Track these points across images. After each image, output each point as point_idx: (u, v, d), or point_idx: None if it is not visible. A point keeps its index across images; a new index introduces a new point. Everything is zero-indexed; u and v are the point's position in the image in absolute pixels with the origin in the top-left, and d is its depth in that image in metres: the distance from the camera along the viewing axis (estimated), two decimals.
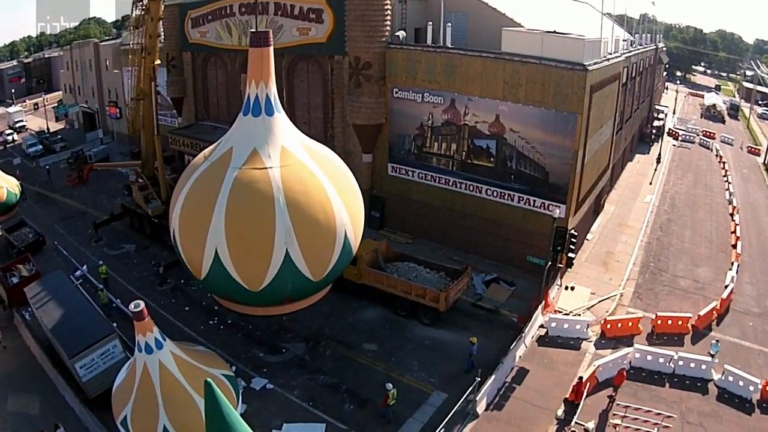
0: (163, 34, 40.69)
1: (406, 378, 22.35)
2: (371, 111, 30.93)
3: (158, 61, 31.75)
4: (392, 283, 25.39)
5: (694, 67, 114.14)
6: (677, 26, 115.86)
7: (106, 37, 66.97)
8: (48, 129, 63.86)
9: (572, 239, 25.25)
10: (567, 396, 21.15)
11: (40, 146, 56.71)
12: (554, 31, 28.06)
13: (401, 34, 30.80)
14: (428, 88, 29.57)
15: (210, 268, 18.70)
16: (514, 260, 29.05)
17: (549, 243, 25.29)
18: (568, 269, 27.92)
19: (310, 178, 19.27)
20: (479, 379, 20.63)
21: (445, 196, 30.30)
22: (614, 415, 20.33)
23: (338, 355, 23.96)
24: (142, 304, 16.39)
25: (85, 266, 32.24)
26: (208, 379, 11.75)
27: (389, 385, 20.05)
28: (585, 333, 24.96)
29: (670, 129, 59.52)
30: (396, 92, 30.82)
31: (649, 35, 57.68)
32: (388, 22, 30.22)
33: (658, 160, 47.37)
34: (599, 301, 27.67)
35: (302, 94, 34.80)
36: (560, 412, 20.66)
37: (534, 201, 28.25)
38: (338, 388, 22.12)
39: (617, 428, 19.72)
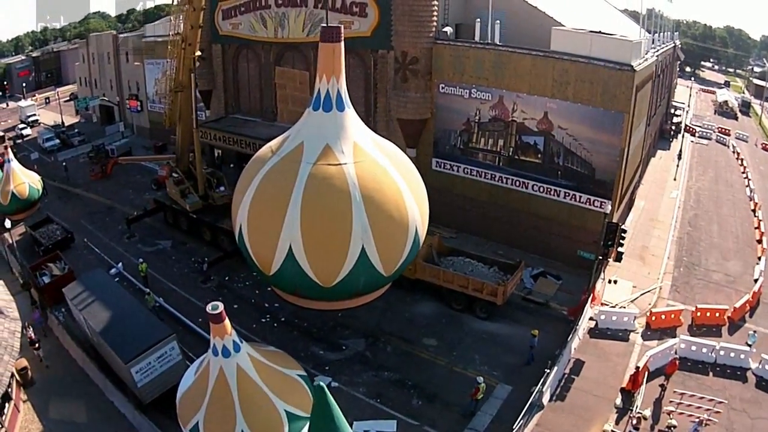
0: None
1: (470, 371, 22.56)
2: (417, 106, 30.95)
3: (199, 53, 31.33)
4: (449, 278, 25.50)
5: (702, 63, 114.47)
6: (685, 22, 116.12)
7: (111, 31, 66.14)
8: (63, 123, 63.33)
9: (622, 234, 25.61)
10: (623, 385, 21.68)
11: (58, 140, 55.83)
12: (600, 32, 28.31)
13: (448, 29, 30.80)
14: (476, 84, 29.66)
15: (282, 263, 18.52)
16: (558, 254, 29.32)
17: (599, 237, 25.69)
18: (617, 263, 28.23)
19: (383, 174, 19.24)
20: (548, 371, 21.03)
21: (491, 191, 30.45)
22: (669, 402, 20.78)
23: (399, 351, 24.05)
24: (221, 306, 15.89)
25: (120, 263, 31.82)
26: (321, 383, 11.98)
27: (480, 379, 20.36)
28: (632, 325, 25.44)
29: (686, 125, 59.86)
30: (442, 88, 30.84)
31: (667, 33, 57.90)
32: (435, 18, 30.21)
33: (680, 156, 47.66)
34: (641, 294, 28.09)
35: None
36: (618, 401, 21.13)
37: (580, 197, 28.50)
38: (404, 383, 22.23)
39: (671, 415, 20.09)
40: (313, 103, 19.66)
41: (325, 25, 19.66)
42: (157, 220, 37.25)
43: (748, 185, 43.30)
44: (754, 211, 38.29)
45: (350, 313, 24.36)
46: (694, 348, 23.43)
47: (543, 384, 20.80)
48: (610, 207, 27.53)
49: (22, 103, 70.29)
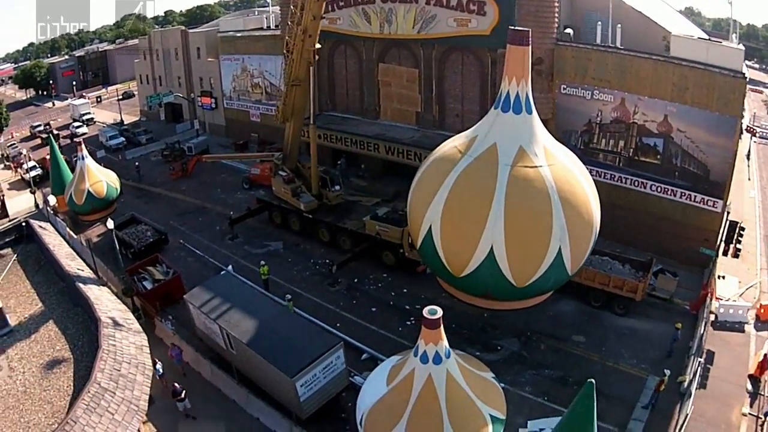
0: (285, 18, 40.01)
1: (621, 365, 23.54)
2: (540, 105, 30.62)
3: (319, 45, 30.93)
4: (590, 276, 26.29)
5: (747, 62, 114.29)
6: (728, 20, 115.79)
7: (179, 26, 65.48)
8: (122, 120, 63.00)
9: (741, 232, 26.90)
10: (751, 372, 22.97)
11: (122, 138, 55.35)
12: (711, 39, 29.33)
13: (570, 31, 31.49)
14: (598, 86, 30.41)
15: (480, 264, 19.06)
16: (672, 252, 30.17)
17: (715, 235, 27.74)
18: (736, 258, 29.32)
19: (573, 178, 20.04)
20: (700, 360, 22.26)
21: (609, 190, 31.19)
22: None
23: (553, 349, 24.81)
24: (440, 311, 15.31)
25: (230, 266, 30.66)
26: (591, 380, 12.06)
27: (667, 371, 21.24)
28: (745, 317, 26.54)
29: (747, 126, 60.47)
30: (564, 88, 31.53)
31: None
32: (557, 19, 30.88)
33: (748, 156, 48.85)
34: (747, 289, 29.23)
35: (455, 86, 35.38)
36: (749, 386, 22.38)
37: (695, 196, 29.44)
38: (566, 380, 22.95)
39: None
40: (502, 104, 20.06)
41: (513, 27, 20.24)
42: (259, 221, 36.48)
43: None
44: None
45: (495, 313, 24.93)
46: None
47: (689, 373, 22.08)
48: (721, 206, 28.74)
49: (76, 101, 69.96)
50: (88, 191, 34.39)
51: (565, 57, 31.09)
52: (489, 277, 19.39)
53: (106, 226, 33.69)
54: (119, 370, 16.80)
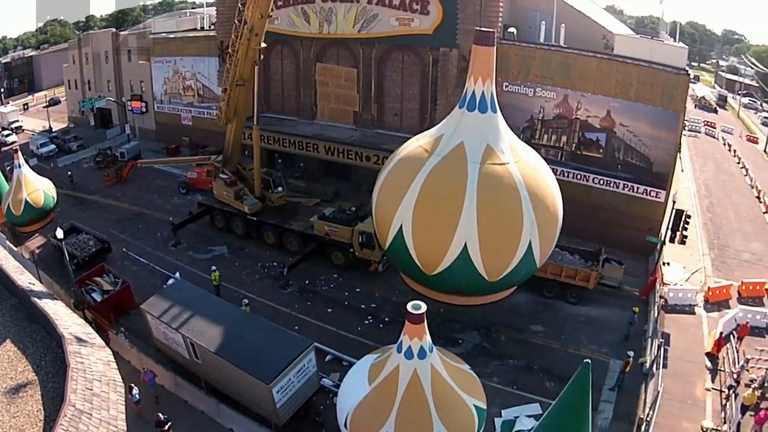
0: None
1: (582, 351, 24.22)
2: None
3: (264, 44, 30.09)
4: (543, 267, 26.48)
5: None
6: (650, 17, 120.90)
7: (110, 29, 62.26)
8: (51, 128, 59.77)
9: (687, 219, 28.51)
10: (708, 350, 24.33)
11: (53, 146, 52.42)
12: (653, 38, 30.95)
13: (513, 30, 32.24)
14: (541, 83, 31.35)
15: (453, 261, 19.24)
16: (616, 241, 31.29)
17: (662, 225, 29.23)
18: (682, 245, 30.78)
19: (539, 173, 20.65)
20: (661, 340, 23.61)
21: None
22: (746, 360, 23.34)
23: (514, 339, 25.32)
24: (424, 306, 15.02)
25: (177, 273, 29.68)
26: (587, 361, 11.87)
27: (631, 353, 22.02)
28: (694, 300, 28.10)
29: None
30: (506, 86, 32.13)
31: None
32: (501, 19, 31.53)
33: (679, 149, 51.26)
34: (692, 274, 30.94)
35: (394, 85, 35.47)
36: (708, 363, 23.67)
37: (638, 188, 30.96)
38: (531, 368, 23.53)
39: (750, 371, 22.71)
40: (467, 103, 20.33)
41: (480, 29, 20.56)
42: (201, 225, 35.40)
43: (747, 174, 47.12)
44: (758, 197, 42.07)
45: (453, 308, 24.85)
46: (749, 315, 26.46)
47: (649, 354, 23.40)
48: (664, 196, 30.35)
49: (4, 109, 65.63)
50: (26, 201, 32.17)
51: (508, 55, 31.70)
52: (462, 273, 19.63)
53: (50, 237, 32.34)
54: (91, 389, 15.24)
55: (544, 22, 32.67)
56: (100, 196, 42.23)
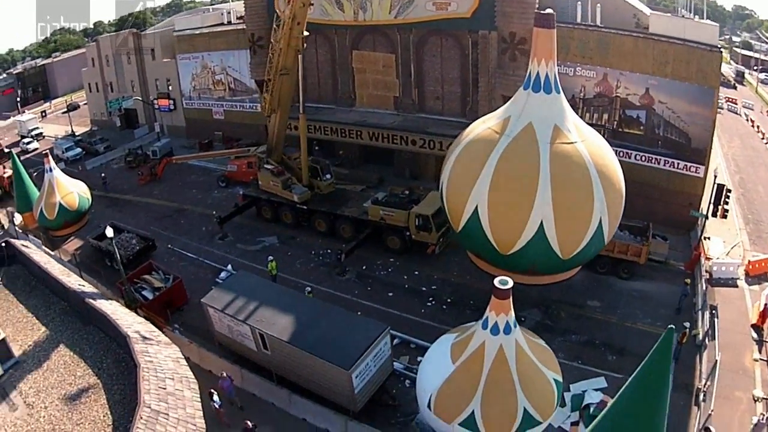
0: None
1: (639, 325, 24.96)
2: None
3: (307, 33, 30.35)
4: None
5: None
6: None
7: (130, 29, 61.90)
8: (73, 132, 60.29)
9: (728, 194, 29.07)
10: (753, 322, 24.95)
11: (79, 149, 52.70)
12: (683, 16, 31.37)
13: (550, 11, 32.34)
14: (581, 63, 31.73)
15: (529, 241, 19.76)
16: (658, 216, 31.73)
17: (701, 199, 30.18)
18: (724, 219, 31.37)
19: (603, 152, 21.16)
20: (714, 312, 24.17)
21: None
22: None
23: (574, 315, 25.88)
24: (510, 281, 15.30)
25: (229, 266, 30.29)
26: (672, 326, 11.73)
27: (687, 324, 22.62)
28: (737, 273, 28.68)
29: None
30: None
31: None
32: (537, 1, 31.79)
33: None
34: (732, 248, 31.51)
35: (434, 69, 35.71)
36: (754, 335, 24.31)
37: (678, 163, 31.49)
38: (593, 343, 24.10)
39: None
40: (532, 84, 20.80)
41: (539, 11, 20.99)
42: (246, 217, 35.61)
43: None
44: None
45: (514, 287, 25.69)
46: None
47: (700, 327, 24.17)
48: (703, 171, 30.93)
49: (23, 117, 65.80)
50: (60, 204, 32.40)
51: None
52: (537, 252, 20.13)
53: (89, 239, 32.84)
54: (165, 388, 15.04)
55: (579, 2, 32.96)
56: (134, 195, 42.48)
